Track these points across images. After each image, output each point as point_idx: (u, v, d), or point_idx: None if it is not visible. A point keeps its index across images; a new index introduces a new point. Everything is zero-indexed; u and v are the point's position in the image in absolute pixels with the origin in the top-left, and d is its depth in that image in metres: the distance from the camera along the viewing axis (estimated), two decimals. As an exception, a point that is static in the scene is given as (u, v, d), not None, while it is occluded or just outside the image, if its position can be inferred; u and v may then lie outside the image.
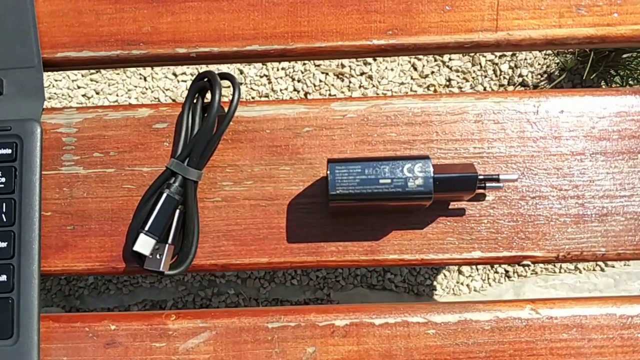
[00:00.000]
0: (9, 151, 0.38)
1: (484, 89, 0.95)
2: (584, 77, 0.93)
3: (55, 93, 0.97)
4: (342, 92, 0.95)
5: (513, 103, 0.40)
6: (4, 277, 0.37)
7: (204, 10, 0.41)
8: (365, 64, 0.96)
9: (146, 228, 0.36)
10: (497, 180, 0.37)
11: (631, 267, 0.91)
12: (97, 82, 0.98)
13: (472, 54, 0.96)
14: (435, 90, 0.95)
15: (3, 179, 0.38)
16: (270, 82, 0.96)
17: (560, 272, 0.92)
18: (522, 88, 0.95)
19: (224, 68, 0.94)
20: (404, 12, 0.40)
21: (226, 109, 0.39)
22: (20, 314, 0.37)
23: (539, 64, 0.96)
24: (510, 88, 0.96)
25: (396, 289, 0.91)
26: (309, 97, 0.95)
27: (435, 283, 0.91)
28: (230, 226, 0.39)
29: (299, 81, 0.96)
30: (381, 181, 0.35)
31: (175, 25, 0.41)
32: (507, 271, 0.92)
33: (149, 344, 0.38)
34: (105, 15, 0.41)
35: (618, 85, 0.94)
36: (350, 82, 0.95)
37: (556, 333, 0.37)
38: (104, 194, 0.40)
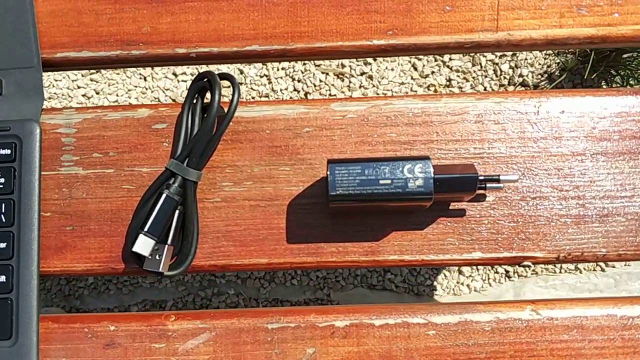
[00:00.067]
0: (8, 151, 0.38)
1: (484, 89, 0.95)
2: (584, 77, 0.93)
3: (55, 93, 0.97)
4: (343, 92, 0.95)
5: (514, 103, 0.40)
6: (3, 278, 0.37)
7: (203, 11, 0.41)
8: (366, 64, 0.96)
9: (145, 229, 0.36)
10: (498, 180, 0.37)
11: (632, 267, 0.91)
12: (97, 82, 0.98)
13: (472, 54, 0.96)
14: (435, 90, 0.95)
15: (2, 180, 0.38)
16: (270, 82, 0.96)
17: (560, 272, 0.92)
18: (523, 88, 0.95)
19: (224, 68, 0.94)
20: (404, 12, 0.40)
21: (226, 109, 0.39)
22: (20, 314, 0.37)
23: (539, 64, 0.96)
24: (511, 88, 0.96)
25: (396, 289, 0.91)
26: (309, 97, 0.95)
27: (435, 283, 0.91)
28: (229, 227, 0.39)
29: (299, 81, 0.96)
30: (381, 182, 0.35)
31: (174, 25, 0.41)
32: (507, 271, 0.92)
33: (149, 345, 0.38)
34: (104, 15, 0.41)
35: (619, 85, 0.94)
36: (350, 82, 0.95)
37: (557, 334, 0.37)
38: (104, 195, 0.39)
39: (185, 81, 0.98)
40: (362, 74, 0.95)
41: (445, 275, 0.92)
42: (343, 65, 0.96)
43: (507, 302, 0.38)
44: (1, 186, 0.38)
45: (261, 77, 0.96)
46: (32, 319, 0.37)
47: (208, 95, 0.39)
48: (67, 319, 0.38)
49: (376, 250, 0.39)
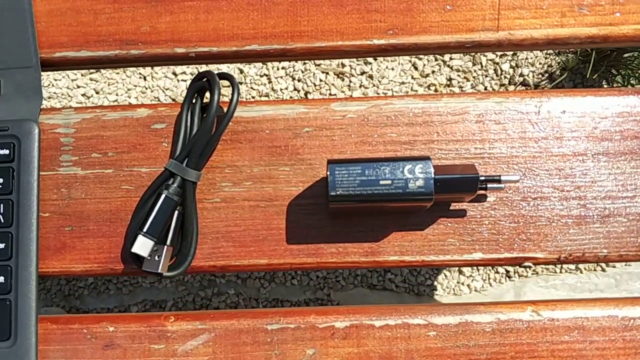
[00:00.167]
0: (6, 152, 0.38)
1: (485, 89, 0.95)
2: (585, 77, 0.93)
3: (55, 92, 0.97)
4: (343, 92, 0.95)
5: (514, 103, 0.39)
6: (1, 279, 0.37)
7: (202, 10, 0.40)
8: (366, 63, 0.95)
9: (144, 229, 0.36)
10: (499, 181, 0.37)
11: (632, 267, 0.91)
12: (96, 81, 0.98)
13: (473, 54, 0.96)
14: (436, 90, 0.95)
15: (1, 180, 0.38)
16: (270, 82, 0.96)
17: (561, 272, 0.91)
18: (523, 88, 0.95)
19: (224, 68, 0.93)
20: (404, 12, 0.40)
21: (225, 109, 0.39)
22: (18, 315, 0.37)
23: (540, 64, 0.96)
24: (511, 87, 0.95)
25: (397, 289, 0.90)
26: (309, 96, 0.95)
27: (435, 283, 0.91)
28: (229, 227, 0.39)
29: (299, 80, 0.96)
30: (381, 182, 0.34)
31: (174, 24, 0.40)
32: (507, 271, 0.92)
33: (148, 346, 0.38)
34: (103, 14, 0.41)
35: (619, 84, 0.94)
36: (350, 81, 0.95)
37: (558, 335, 0.37)
38: (102, 195, 0.39)
39: (185, 80, 0.97)
40: (363, 73, 0.95)
41: (445, 275, 0.91)
42: (343, 65, 0.96)
43: (507, 303, 0.38)
44: (0, 186, 0.38)
45: (261, 76, 0.96)
46: (30, 320, 0.37)
47: (207, 95, 0.39)
48: (66, 320, 0.38)
49: (376, 250, 0.38)
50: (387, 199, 0.35)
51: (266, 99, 0.95)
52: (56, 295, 0.92)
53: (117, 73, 0.98)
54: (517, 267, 0.90)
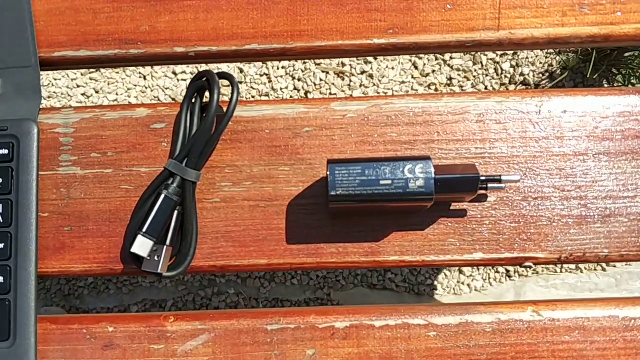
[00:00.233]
0: (5, 151, 0.38)
1: (485, 88, 0.95)
2: (586, 76, 0.93)
3: (54, 92, 0.97)
4: (343, 91, 0.95)
5: (515, 103, 0.39)
6: (0, 279, 0.37)
7: (202, 9, 0.40)
8: (366, 62, 0.95)
9: (144, 229, 0.36)
10: (499, 181, 0.36)
11: (633, 266, 0.91)
12: (96, 81, 0.97)
13: (473, 53, 0.96)
14: (436, 89, 0.95)
15: (0, 180, 0.38)
16: (270, 81, 0.96)
17: (561, 272, 0.91)
18: (524, 87, 0.95)
19: (224, 67, 0.93)
20: (404, 11, 0.40)
21: (225, 109, 0.38)
22: (17, 316, 0.36)
23: (540, 63, 0.96)
24: (512, 87, 0.95)
25: (397, 288, 0.90)
26: (309, 96, 0.95)
27: (436, 283, 0.91)
28: (229, 227, 0.39)
29: (299, 80, 0.95)
30: (382, 182, 0.34)
31: (173, 24, 0.40)
32: (508, 271, 0.92)
33: (147, 346, 0.37)
34: (102, 14, 0.40)
35: (620, 84, 0.93)
36: (351, 80, 0.95)
37: (558, 335, 0.37)
38: (102, 195, 0.39)
39: (185, 80, 0.97)
40: (363, 72, 0.95)
41: (445, 275, 0.91)
42: (343, 64, 0.95)
43: (508, 303, 0.38)
44: (-1, 186, 0.38)
45: (261, 76, 0.96)
46: (30, 320, 0.37)
47: (207, 94, 0.39)
48: (65, 320, 0.38)
49: (377, 251, 0.38)
50: (388, 199, 0.34)
51: (266, 98, 0.95)
52: (56, 295, 0.92)
53: (117, 72, 0.98)
54: (518, 267, 0.90)
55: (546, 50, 0.95)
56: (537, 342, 0.37)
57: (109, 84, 0.97)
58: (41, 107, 0.40)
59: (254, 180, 0.39)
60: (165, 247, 0.37)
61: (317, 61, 0.96)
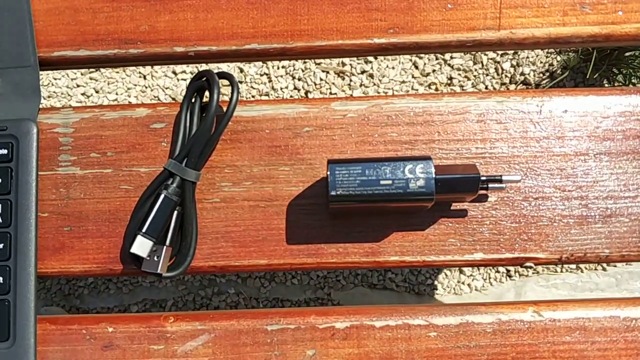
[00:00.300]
0: (4, 151, 0.38)
1: (486, 88, 0.95)
2: (586, 76, 0.93)
3: (54, 91, 0.97)
4: (343, 91, 0.95)
5: (516, 103, 0.39)
6: (0, 279, 0.36)
7: (202, 9, 0.40)
8: (366, 62, 0.95)
9: (143, 230, 0.36)
10: (500, 181, 0.36)
11: (633, 266, 0.91)
12: (96, 80, 0.97)
13: (474, 53, 0.95)
14: (436, 89, 0.94)
15: (-1, 180, 0.38)
16: (270, 81, 0.96)
17: (562, 271, 0.91)
18: (524, 87, 0.95)
19: (224, 67, 0.93)
20: (405, 10, 0.40)
21: (225, 109, 0.38)
22: (17, 316, 0.36)
23: (541, 62, 0.95)
24: (512, 86, 0.95)
25: (397, 288, 0.90)
26: (309, 95, 0.95)
27: (436, 282, 0.91)
28: (229, 227, 0.39)
29: (299, 79, 0.95)
30: (382, 182, 0.34)
31: (173, 23, 0.40)
32: (508, 270, 0.92)
33: (147, 347, 0.37)
34: (102, 13, 0.40)
35: (621, 83, 0.93)
36: (351, 80, 0.95)
37: (559, 336, 0.37)
38: (101, 195, 0.39)
39: (185, 80, 0.97)
40: (363, 72, 0.95)
41: (446, 275, 0.91)
42: (344, 64, 0.95)
43: (508, 304, 0.38)
44: (-2, 186, 0.37)
45: (261, 75, 0.96)
46: (29, 321, 0.37)
47: (207, 94, 0.39)
48: (65, 321, 0.38)
49: (377, 251, 0.38)
50: (388, 199, 0.34)
51: (266, 98, 0.95)
52: (56, 294, 0.92)
53: (117, 72, 0.97)
54: (519, 267, 0.90)
55: (547, 50, 0.95)
56: (538, 343, 0.37)
57: (108, 84, 0.97)
58: (40, 106, 0.40)
59: (254, 180, 0.39)
60: (164, 247, 0.37)
61: (317, 61, 0.96)
